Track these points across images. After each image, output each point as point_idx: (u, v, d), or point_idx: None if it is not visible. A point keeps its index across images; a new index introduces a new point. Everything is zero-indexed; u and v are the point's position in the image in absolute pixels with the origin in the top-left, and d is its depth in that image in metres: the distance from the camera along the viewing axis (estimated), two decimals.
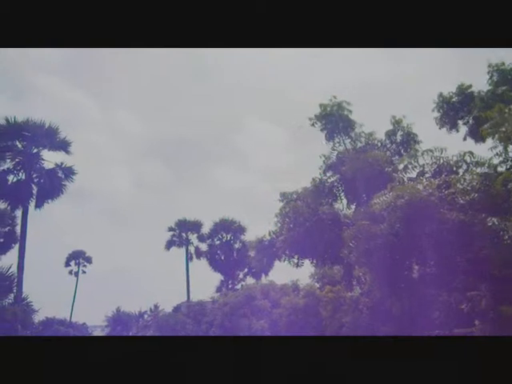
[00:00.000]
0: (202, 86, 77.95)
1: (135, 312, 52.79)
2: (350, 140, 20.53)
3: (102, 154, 66.27)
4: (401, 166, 17.59)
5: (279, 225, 19.09)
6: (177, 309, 41.73)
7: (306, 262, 19.20)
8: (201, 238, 46.48)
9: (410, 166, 16.71)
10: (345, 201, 20.01)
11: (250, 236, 45.47)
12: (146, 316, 51.95)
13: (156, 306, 50.18)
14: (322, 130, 20.24)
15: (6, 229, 35.17)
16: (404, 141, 20.52)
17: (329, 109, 20.08)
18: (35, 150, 32.14)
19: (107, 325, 52.01)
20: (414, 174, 16.72)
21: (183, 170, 74.93)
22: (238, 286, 42.40)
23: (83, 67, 73.96)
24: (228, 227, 46.17)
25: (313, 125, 20.11)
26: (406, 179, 16.70)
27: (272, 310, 27.62)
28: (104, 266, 54.34)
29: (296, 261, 19.06)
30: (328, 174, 20.11)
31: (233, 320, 29.29)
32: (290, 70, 77.59)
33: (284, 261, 19.14)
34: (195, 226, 46.51)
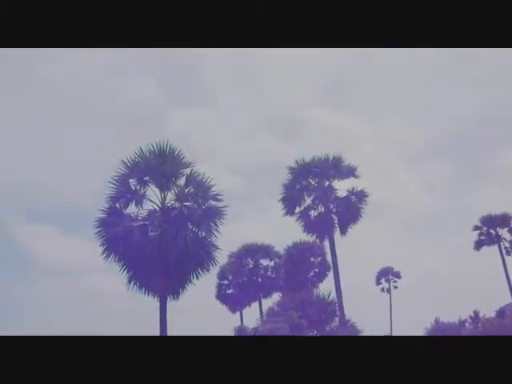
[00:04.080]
0: (462, 71, 73.06)
1: (455, 321, 50.86)
2: None
3: (383, 167, 67.09)
4: None
5: None
6: (501, 312, 38.70)
7: None
8: None
9: None
10: None
11: None
12: (467, 324, 49.57)
13: (476, 312, 47.50)
14: None
15: (318, 259, 39.02)
16: None
17: None
18: (326, 183, 34.64)
19: None
20: None
21: (469, 162, 70.14)
22: None
23: (340, 90, 77.19)
24: None
25: None
26: None
27: None
28: (414, 278, 54.08)
29: None
30: None
31: None
32: None
33: None
34: (504, 220, 42.86)
